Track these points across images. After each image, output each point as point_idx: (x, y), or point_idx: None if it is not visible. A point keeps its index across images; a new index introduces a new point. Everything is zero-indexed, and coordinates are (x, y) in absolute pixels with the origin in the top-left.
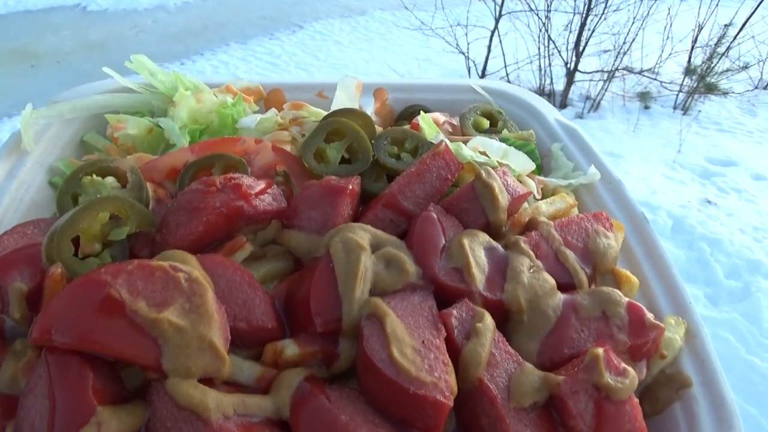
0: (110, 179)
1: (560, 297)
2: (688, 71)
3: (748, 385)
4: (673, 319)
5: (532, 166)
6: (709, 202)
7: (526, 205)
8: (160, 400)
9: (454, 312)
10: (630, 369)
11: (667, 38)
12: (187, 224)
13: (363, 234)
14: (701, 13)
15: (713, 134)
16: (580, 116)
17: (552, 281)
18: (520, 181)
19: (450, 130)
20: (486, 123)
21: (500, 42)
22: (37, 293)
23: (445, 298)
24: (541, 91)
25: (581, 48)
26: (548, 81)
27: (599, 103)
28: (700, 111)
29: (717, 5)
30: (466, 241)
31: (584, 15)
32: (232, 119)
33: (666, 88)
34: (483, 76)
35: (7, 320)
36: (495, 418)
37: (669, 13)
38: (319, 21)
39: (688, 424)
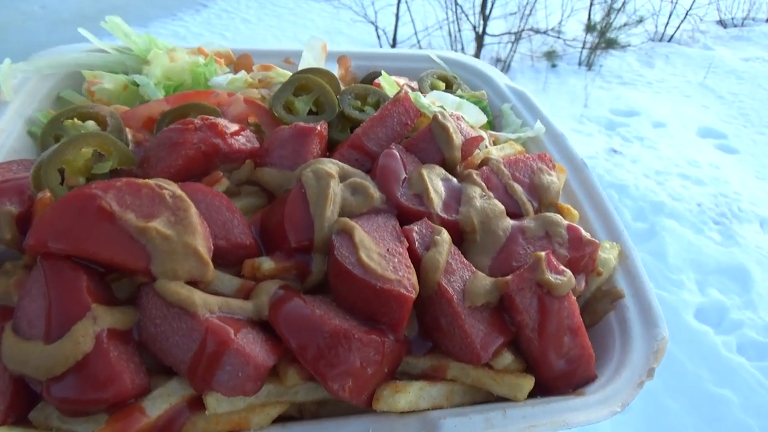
0: (91, 123)
1: (509, 220)
2: (589, 28)
3: None
4: (608, 243)
5: (484, 118)
6: (615, 151)
7: (478, 151)
8: (149, 301)
9: (415, 228)
10: (567, 270)
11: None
12: (166, 158)
13: (332, 165)
14: None
15: (616, 87)
16: None
17: (501, 206)
18: None
19: (409, 91)
20: (442, 85)
21: (408, 9)
22: (25, 218)
23: (406, 220)
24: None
25: (488, 12)
26: (459, 46)
27: (509, 64)
28: (601, 66)
29: None
30: (425, 172)
31: None
32: (204, 78)
33: (570, 45)
34: (394, 45)
35: None
36: (452, 317)
37: None
38: None
39: (620, 328)
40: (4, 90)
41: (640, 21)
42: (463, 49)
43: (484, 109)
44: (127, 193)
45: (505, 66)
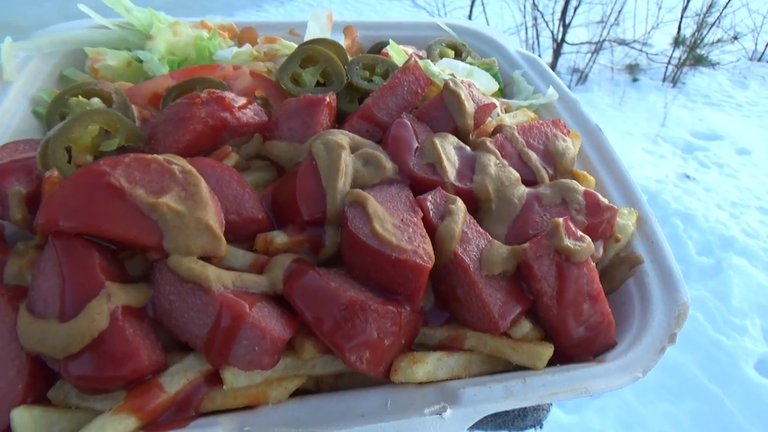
0: (96, 100)
1: (524, 188)
2: (677, 42)
3: (714, 364)
4: (626, 209)
5: (495, 85)
6: (687, 176)
7: (490, 119)
8: (163, 278)
9: (429, 197)
10: (586, 236)
11: (658, 8)
12: (174, 133)
13: (342, 136)
14: None
15: (701, 107)
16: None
17: (516, 174)
18: None
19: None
20: (451, 53)
21: (484, 11)
22: (35, 197)
23: (420, 190)
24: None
25: (568, 19)
26: (535, 53)
27: (587, 75)
28: (684, 84)
29: None
30: (437, 141)
31: None
32: (208, 51)
33: (653, 60)
34: None
35: (8, 226)
36: (469, 286)
37: None
38: None
39: (640, 294)
40: (6, 69)
41: (736, 38)
42: (539, 55)
43: (495, 76)
44: (136, 169)
45: (582, 76)
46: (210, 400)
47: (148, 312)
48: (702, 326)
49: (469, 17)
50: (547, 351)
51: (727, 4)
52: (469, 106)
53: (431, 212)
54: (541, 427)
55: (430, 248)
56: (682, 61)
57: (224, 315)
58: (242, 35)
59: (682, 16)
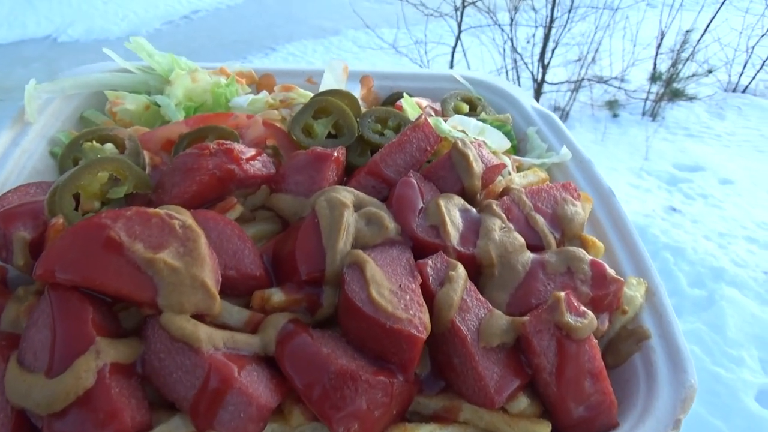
0: (109, 146)
1: (529, 254)
2: (654, 78)
3: (714, 397)
4: (634, 279)
5: (508, 144)
6: (674, 209)
7: (500, 177)
8: (154, 334)
9: (430, 262)
10: (589, 312)
11: (633, 45)
12: (181, 184)
13: (346, 194)
14: (663, 19)
15: (681, 139)
16: None
17: (521, 240)
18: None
19: (432, 113)
20: (466, 107)
21: (464, 56)
22: (39, 243)
23: (421, 253)
24: None
25: (547, 60)
26: None
27: (568, 113)
28: (663, 118)
29: (678, 10)
30: (442, 202)
31: (548, 27)
32: (225, 98)
33: (631, 96)
34: None
35: (11, 270)
36: (465, 357)
37: (628, 21)
38: (292, 43)
39: (646, 371)
40: (28, 111)
41: (710, 72)
42: None
43: (507, 133)
44: (137, 223)
45: (563, 114)
46: None
47: (137, 368)
48: (700, 359)
49: (451, 62)
50: (545, 430)
51: (700, 40)
52: (477, 168)
53: (431, 278)
54: None
55: (426, 318)
56: (659, 95)
57: (212, 378)
58: (260, 82)
59: (657, 53)
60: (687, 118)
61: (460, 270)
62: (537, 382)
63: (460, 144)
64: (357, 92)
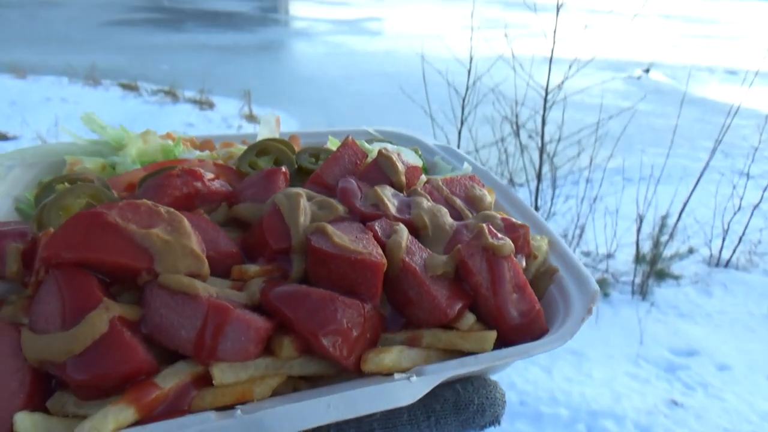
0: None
1: (453, 220)
2: (638, 259)
3: None
4: (538, 236)
5: (420, 162)
6: (675, 403)
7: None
8: (153, 294)
9: (376, 223)
10: (505, 236)
11: (614, 230)
12: (154, 199)
13: (299, 190)
14: (640, 198)
15: (673, 320)
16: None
17: (445, 209)
18: None
19: None
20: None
21: None
22: (29, 254)
23: (367, 224)
24: None
25: None
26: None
27: None
28: (653, 304)
29: (654, 194)
30: (378, 188)
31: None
32: (174, 155)
33: (618, 280)
34: None
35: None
36: (418, 286)
37: (607, 200)
38: None
39: (560, 293)
40: None
41: (691, 252)
42: None
43: (419, 157)
44: (128, 210)
45: None
46: (200, 399)
47: (140, 328)
48: None
49: None
50: (492, 335)
51: (677, 223)
52: (401, 166)
53: (379, 232)
54: (498, 424)
55: (381, 252)
56: (646, 275)
57: (211, 314)
58: (202, 146)
59: (638, 237)
60: (676, 297)
61: (402, 226)
62: (478, 301)
63: (384, 150)
64: None
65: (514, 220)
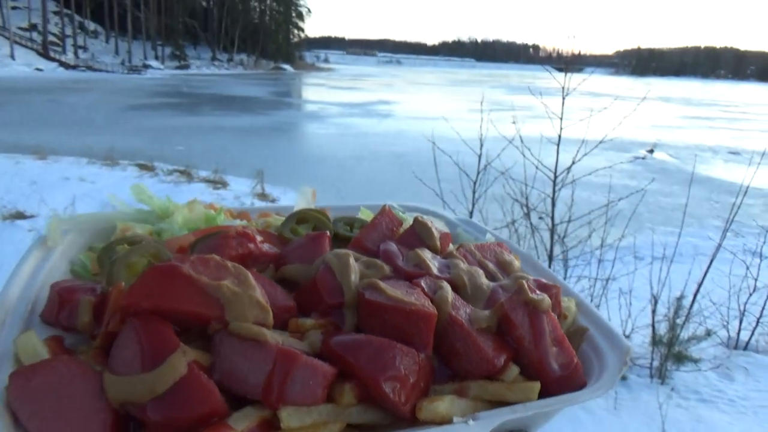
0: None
1: (488, 281)
2: (654, 342)
3: None
4: (566, 298)
5: (447, 229)
6: None
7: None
8: (222, 342)
9: (421, 280)
10: (543, 293)
11: (629, 311)
12: None
13: (347, 250)
14: (654, 277)
15: (695, 406)
16: None
17: (480, 270)
18: None
19: None
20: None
21: None
22: (99, 307)
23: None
24: None
25: None
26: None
27: None
28: (673, 389)
29: (668, 275)
30: (418, 250)
31: None
32: (216, 224)
33: (635, 363)
34: None
35: (67, 338)
36: (465, 338)
37: (621, 281)
38: None
39: (593, 350)
40: (51, 237)
41: (709, 334)
42: None
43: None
44: (199, 264)
45: None
46: None
47: (211, 374)
48: None
49: None
50: (536, 385)
51: (692, 306)
52: (436, 231)
53: (425, 288)
54: None
55: (432, 305)
56: (663, 357)
57: (280, 359)
58: (239, 216)
59: (653, 319)
60: (696, 381)
61: (446, 283)
62: (520, 353)
63: (419, 217)
64: None
65: (544, 281)
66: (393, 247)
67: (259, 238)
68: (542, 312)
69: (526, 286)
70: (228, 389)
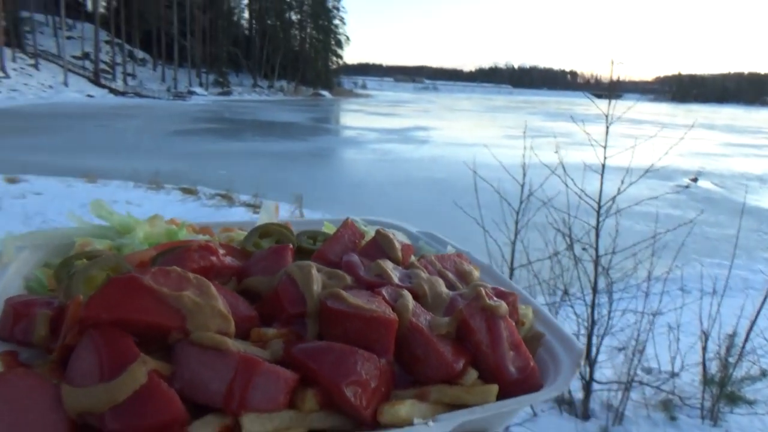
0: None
1: (448, 290)
2: (706, 381)
3: None
4: (522, 305)
5: (410, 243)
6: None
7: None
8: (184, 351)
9: (383, 289)
10: (499, 299)
11: (677, 347)
12: None
13: (309, 261)
14: (704, 313)
15: None
16: (605, 430)
17: (441, 279)
18: None
19: None
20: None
21: None
22: (56, 320)
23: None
24: (560, 401)
25: (593, 356)
26: (566, 392)
27: (623, 414)
28: (726, 421)
29: (718, 311)
30: (380, 261)
31: (589, 327)
32: (177, 239)
33: (684, 403)
34: None
35: (21, 352)
36: (425, 344)
37: (668, 316)
38: None
39: (549, 355)
40: (5, 254)
41: (764, 375)
42: (570, 393)
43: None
44: (160, 275)
45: (618, 415)
46: None
47: (172, 383)
48: None
49: None
50: (494, 388)
51: (745, 343)
52: (398, 243)
53: (387, 296)
54: None
55: (392, 312)
56: (715, 398)
57: (242, 367)
58: (201, 231)
59: (704, 356)
60: (752, 425)
61: (407, 292)
62: (478, 358)
63: (381, 230)
64: None
65: (502, 288)
66: (355, 258)
67: (221, 252)
68: (499, 317)
69: (483, 293)
70: (189, 398)
